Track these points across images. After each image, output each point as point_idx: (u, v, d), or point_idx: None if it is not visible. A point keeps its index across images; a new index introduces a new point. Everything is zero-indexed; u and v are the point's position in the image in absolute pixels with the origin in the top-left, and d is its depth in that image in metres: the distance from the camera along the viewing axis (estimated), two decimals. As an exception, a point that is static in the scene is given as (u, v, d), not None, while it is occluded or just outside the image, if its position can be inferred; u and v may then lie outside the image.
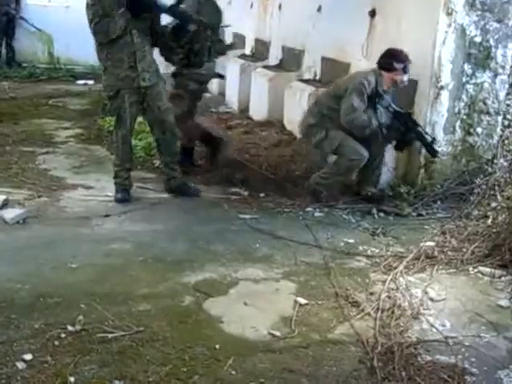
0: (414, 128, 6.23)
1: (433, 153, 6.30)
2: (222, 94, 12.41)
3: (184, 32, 6.17)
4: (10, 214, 5.60)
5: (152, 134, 6.59)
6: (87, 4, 5.94)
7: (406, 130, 6.22)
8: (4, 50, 15.94)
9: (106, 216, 5.79)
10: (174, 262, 4.86)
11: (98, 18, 5.86)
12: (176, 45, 6.23)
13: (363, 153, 6.18)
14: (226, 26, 8.14)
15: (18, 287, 4.31)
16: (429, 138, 6.28)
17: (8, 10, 15.69)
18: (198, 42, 6.30)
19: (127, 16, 5.87)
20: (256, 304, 4.25)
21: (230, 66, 11.85)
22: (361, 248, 5.33)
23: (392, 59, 6.21)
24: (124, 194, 6.31)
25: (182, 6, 6.27)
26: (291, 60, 10.05)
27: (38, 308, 4.06)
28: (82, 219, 5.70)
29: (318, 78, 8.94)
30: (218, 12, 7.03)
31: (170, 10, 6.08)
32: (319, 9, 8.98)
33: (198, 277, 4.60)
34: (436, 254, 5.10)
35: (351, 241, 5.47)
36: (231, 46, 6.43)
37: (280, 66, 10.38)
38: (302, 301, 4.29)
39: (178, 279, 4.56)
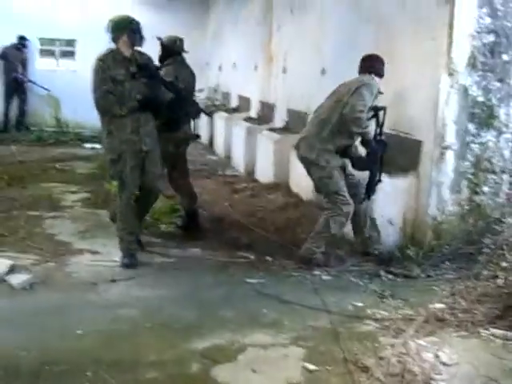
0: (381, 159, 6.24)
1: (371, 193, 6.28)
2: (228, 156, 12.51)
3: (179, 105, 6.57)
4: (16, 279, 5.60)
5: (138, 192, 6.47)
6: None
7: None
8: (13, 114, 16.17)
9: (113, 281, 5.77)
10: (182, 328, 4.81)
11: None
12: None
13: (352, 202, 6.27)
14: (201, 90, 8.38)
15: (23, 354, 4.27)
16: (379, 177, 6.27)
17: (16, 76, 15.96)
18: (177, 109, 6.56)
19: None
20: (264, 371, 4.19)
21: (235, 128, 11.98)
22: (369, 311, 5.24)
23: (383, 65, 6.38)
24: (131, 259, 6.28)
25: (161, 72, 6.71)
26: (296, 122, 10.10)
27: (44, 376, 4.01)
28: (89, 285, 5.68)
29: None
30: (193, 76, 7.67)
31: (170, 85, 6.50)
32: (323, 71, 9.08)
33: (205, 343, 4.54)
34: (446, 316, 5.01)
35: (359, 304, 5.40)
36: (209, 111, 6.58)
37: (285, 129, 10.45)
38: (311, 367, 4.21)
39: (185, 346, 4.51)
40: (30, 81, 16.17)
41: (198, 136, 7.66)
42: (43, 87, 15.98)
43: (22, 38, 16.10)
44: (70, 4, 16.67)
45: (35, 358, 4.23)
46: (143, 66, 6.31)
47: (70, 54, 17.62)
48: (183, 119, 7.18)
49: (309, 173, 6.55)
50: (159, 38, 7.51)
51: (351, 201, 6.32)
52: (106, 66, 6.18)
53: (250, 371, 4.18)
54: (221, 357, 4.34)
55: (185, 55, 7.67)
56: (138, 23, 6.35)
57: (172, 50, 7.58)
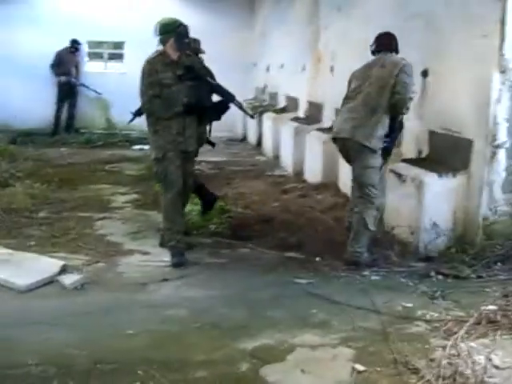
0: None
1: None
2: (277, 157, 12.50)
3: (224, 108, 6.64)
4: (68, 279, 5.70)
5: None
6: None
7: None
8: (64, 117, 16.40)
9: (165, 280, 5.84)
10: (231, 328, 4.83)
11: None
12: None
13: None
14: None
15: (76, 353, 4.34)
16: None
17: (69, 79, 16.19)
18: (223, 111, 6.69)
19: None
20: (313, 371, 4.17)
21: (283, 129, 11.97)
22: (419, 312, 5.17)
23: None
24: (180, 258, 6.35)
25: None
26: (345, 122, 10.06)
27: (96, 374, 4.07)
28: (139, 285, 5.75)
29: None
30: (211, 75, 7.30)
31: (216, 87, 6.58)
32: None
33: (254, 343, 4.55)
34: (498, 318, 4.91)
35: (409, 305, 5.33)
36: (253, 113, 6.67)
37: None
38: (360, 368, 4.18)
39: (234, 345, 4.52)
40: (83, 84, 16.40)
41: (212, 143, 7.51)
42: (95, 91, 16.21)
43: (74, 42, 16.32)
44: (118, 6, 16.84)
45: (87, 357, 4.28)
46: (189, 67, 6.42)
47: (118, 57, 17.83)
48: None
49: (355, 161, 6.47)
50: None
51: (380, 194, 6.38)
52: (154, 69, 6.30)
53: (298, 371, 4.17)
54: (270, 357, 4.34)
55: (204, 55, 7.96)
56: (185, 27, 6.43)
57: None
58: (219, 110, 6.62)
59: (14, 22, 16.62)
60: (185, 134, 6.39)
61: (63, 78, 16.22)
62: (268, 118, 13.72)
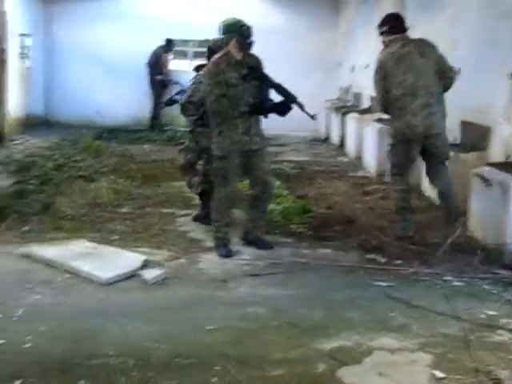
0: None
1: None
2: (360, 157, 12.43)
3: (286, 108, 6.61)
4: (149, 274, 5.79)
5: (252, 190, 6.86)
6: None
7: None
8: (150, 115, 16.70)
9: (252, 276, 5.92)
10: (309, 328, 4.83)
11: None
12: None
13: None
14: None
15: (155, 346, 4.42)
16: None
17: (162, 79, 16.46)
18: (286, 111, 6.65)
19: None
20: (391, 375, 4.13)
21: (366, 129, 11.88)
22: (503, 321, 5.04)
23: None
24: (227, 250, 6.58)
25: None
26: (430, 124, 9.92)
27: (174, 368, 4.13)
28: (219, 282, 5.80)
29: (457, 142, 8.76)
30: None
31: (278, 87, 6.61)
32: (458, 71, 8.84)
33: (332, 344, 4.54)
34: None
35: (492, 313, 5.20)
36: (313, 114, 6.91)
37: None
38: (439, 374, 4.12)
39: (312, 345, 4.52)
40: (176, 82, 16.56)
41: None
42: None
43: (169, 41, 16.63)
44: (203, 5, 17.03)
45: (165, 350, 4.36)
46: (253, 67, 6.54)
47: (202, 55, 17.97)
48: None
49: (441, 147, 6.93)
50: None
51: None
52: (220, 68, 6.41)
53: (376, 374, 4.14)
54: (347, 358, 4.32)
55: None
56: (248, 28, 6.54)
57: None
58: (281, 110, 6.63)
59: (100, 19, 17.10)
60: (250, 132, 6.50)
61: (160, 77, 16.54)
62: (351, 119, 13.64)
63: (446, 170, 7.01)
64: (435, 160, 6.97)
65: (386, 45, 7.04)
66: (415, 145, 6.88)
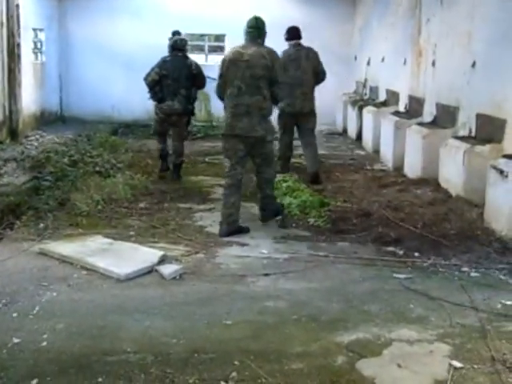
0: None
1: None
2: (377, 151, 12.42)
3: None
4: (167, 269, 5.79)
5: (262, 172, 7.44)
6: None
7: None
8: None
9: (266, 275, 5.86)
10: (328, 321, 4.86)
11: None
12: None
13: None
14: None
15: (173, 342, 4.44)
16: None
17: None
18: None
19: None
20: (410, 366, 4.17)
21: (383, 123, 11.87)
22: (520, 311, 5.08)
23: None
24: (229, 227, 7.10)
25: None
26: (445, 117, 9.93)
27: (193, 363, 4.15)
28: (237, 276, 5.81)
29: (473, 134, 8.76)
30: (186, 67, 10.14)
31: None
32: (473, 64, 8.86)
33: (351, 336, 4.57)
34: None
35: (509, 303, 5.23)
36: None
37: (434, 123, 10.27)
38: (457, 364, 4.16)
39: (331, 338, 4.55)
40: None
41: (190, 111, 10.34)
42: (209, 77, 16.22)
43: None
44: (220, -1, 17.07)
45: (184, 346, 4.39)
46: None
47: (219, 49, 18.01)
48: (171, 97, 9.99)
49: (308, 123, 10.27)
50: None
51: None
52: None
53: (395, 366, 4.17)
54: (366, 351, 4.36)
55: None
56: None
57: (173, 47, 10.29)
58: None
59: (115, 13, 17.08)
60: None
61: None
62: (368, 112, 13.63)
63: (315, 138, 10.27)
64: (306, 128, 10.10)
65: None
66: (294, 117, 10.06)
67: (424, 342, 4.53)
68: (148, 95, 10.33)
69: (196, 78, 10.15)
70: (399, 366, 4.17)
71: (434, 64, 10.72)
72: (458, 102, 9.46)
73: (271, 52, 7.14)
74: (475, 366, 4.15)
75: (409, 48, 12.29)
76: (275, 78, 7.11)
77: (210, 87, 15.68)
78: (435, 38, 10.75)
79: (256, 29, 7.19)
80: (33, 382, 3.89)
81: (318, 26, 16.75)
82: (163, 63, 10.09)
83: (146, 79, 10.13)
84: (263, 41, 7.25)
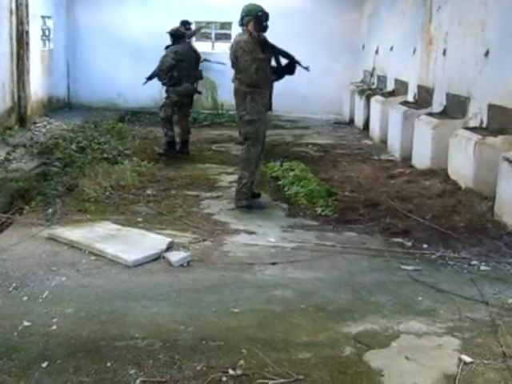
0: None
1: None
2: (384, 141, 12.35)
3: (294, 67, 7.75)
4: (174, 256, 5.79)
5: None
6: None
7: None
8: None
9: (273, 264, 5.84)
10: (336, 311, 4.83)
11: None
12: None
13: None
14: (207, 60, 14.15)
15: (181, 329, 4.44)
16: None
17: None
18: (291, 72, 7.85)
19: None
20: (418, 359, 4.13)
21: (391, 113, 11.79)
22: (531, 305, 5.02)
23: None
24: (250, 201, 7.61)
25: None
26: (456, 107, 9.84)
27: (201, 350, 4.15)
28: (245, 264, 5.80)
29: (484, 125, 8.69)
30: (194, 53, 11.45)
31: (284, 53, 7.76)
32: (487, 54, 8.77)
33: (358, 327, 4.55)
34: None
35: (520, 297, 5.20)
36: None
37: (444, 113, 10.18)
38: (467, 359, 4.11)
39: (338, 329, 4.52)
40: (206, 59, 16.16)
41: (198, 91, 11.39)
42: (219, 62, 16.09)
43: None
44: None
45: (192, 333, 4.38)
46: (273, 46, 7.57)
47: (225, 37, 17.94)
48: (186, 79, 10.78)
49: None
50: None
51: None
52: (253, 46, 7.38)
53: (403, 358, 4.14)
54: (374, 342, 4.33)
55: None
56: (266, 14, 7.52)
57: (175, 35, 11.01)
58: (291, 70, 7.76)
59: (124, 1, 17.05)
60: (271, 99, 7.67)
61: None
62: (376, 102, 13.54)
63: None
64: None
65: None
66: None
67: (433, 335, 4.49)
68: (160, 82, 11.17)
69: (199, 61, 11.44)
70: (407, 358, 4.14)
71: (444, 53, 10.63)
72: (469, 92, 9.38)
73: (240, 41, 7.57)
74: (485, 362, 4.11)
75: (419, 37, 12.20)
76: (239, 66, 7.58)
77: (217, 75, 15.90)
78: (446, 26, 10.65)
79: (240, 17, 7.63)
80: (43, 365, 3.92)
81: (325, 14, 16.67)
82: (176, 50, 10.79)
83: (161, 69, 10.78)
84: (248, 27, 7.56)
